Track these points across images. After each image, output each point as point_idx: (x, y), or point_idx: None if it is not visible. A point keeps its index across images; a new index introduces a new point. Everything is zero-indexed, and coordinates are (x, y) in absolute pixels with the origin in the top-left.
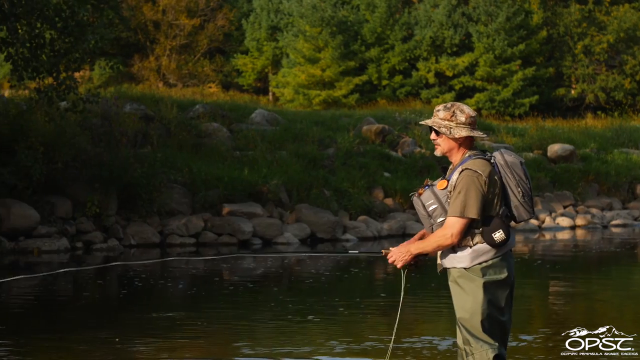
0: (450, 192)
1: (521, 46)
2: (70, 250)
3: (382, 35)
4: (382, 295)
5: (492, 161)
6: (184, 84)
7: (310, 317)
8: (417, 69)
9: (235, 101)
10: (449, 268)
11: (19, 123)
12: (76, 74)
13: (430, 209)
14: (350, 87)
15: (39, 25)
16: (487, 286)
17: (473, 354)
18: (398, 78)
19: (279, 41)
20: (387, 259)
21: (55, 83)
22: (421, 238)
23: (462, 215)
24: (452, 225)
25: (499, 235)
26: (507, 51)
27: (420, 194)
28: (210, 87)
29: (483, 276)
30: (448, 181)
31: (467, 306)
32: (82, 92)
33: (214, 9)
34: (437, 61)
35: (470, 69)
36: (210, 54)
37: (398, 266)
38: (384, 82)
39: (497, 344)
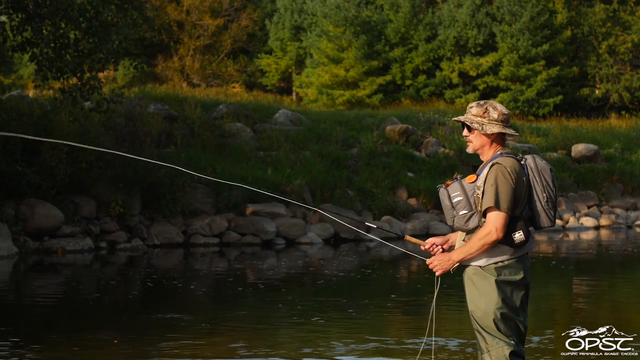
0: (478, 186)
1: (545, 46)
2: (94, 250)
3: (406, 35)
4: (393, 295)
5: (522, 162)
6: (208, 84)
7: (314, 319)
8: (441, 69)
9: (259, 101)
10: (464, 265)
11: (44, 123)
12: (100, 74)
13: (455, 200)
14: (374, 87)
15: (63, 25)
16: (500, 286)
17: (489, 351)
18: (422, 78)
19: (303, 41)
20: (428, 265)
21: (79, 83)
22: (448, 241)
23: (497, 207)
24: (494, 221)
25: (518, 235)
26: (531, 51)
27: (447, 185)
28: (233, 87)
29: (498, 276)
30: (478, 176)
31: (481, 305)
32: (106, 92)
33: (238, 9)
34: (460, 61)
35: (494, 68)
36: (234, 54)
37: (437, 274)
38: (408, 82)
39: (513, 341)
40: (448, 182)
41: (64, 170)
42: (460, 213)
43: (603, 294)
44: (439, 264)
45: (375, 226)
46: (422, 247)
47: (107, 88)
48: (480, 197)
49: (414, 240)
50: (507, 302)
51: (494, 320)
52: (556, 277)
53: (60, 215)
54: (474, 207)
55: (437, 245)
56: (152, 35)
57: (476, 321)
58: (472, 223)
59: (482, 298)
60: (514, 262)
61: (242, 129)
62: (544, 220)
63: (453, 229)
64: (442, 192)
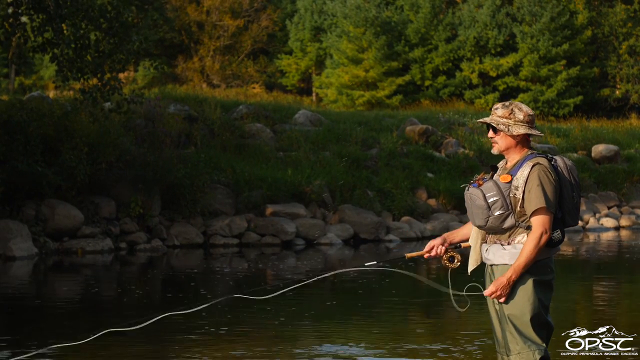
0: (516, 186)
1: (565, 46)
2: (114, 251)
3: (426, 35)
4: (411, 297)
5: (552, 163)
6: (228, 84)
7: (333, 320)
8: (461, 70)
9: (279, 102)
10: (497, 265)
11: (64, 124)
12: (120, 75)
13: (491, 200)
14: (393, 87)
15: (83, 26)
16: (537, 285)
17: (519, 352)
18: (441, 79)
19: (323, 42)
20: (489, 296)
21: (99, 84)
22: (446, 240)
23: (548, 207)
24: (543, 222)
25: (557, 234)
26: (552, 51)
27: (480, 185)
28: (253, 88)
29: (535, 275)
30: (512, 176)
31: (518, 303)
32: (126, 92)
33: (258, 10)
34: (481, 61)
35: (515, 69)
36: (254, 54)
37: (502, 301)
38: (427, 83)
39: (544, 345)
40: (479, 182)
41: (84, 170)
42: (497, 213)
43: (610, 294)
44: (501, 291)
45: (374, 262)
46: (425, 256)
47: (127, 89)
48: (520, 197)
49: (414, 254)
50: (541, 301)
51: (530, 319)
52: (566, 278)
53: (80, 215)
54: (510, 208)
55: (435, 248)
56: (172, 36)
57: (511, 321)
58: (508, 223)
59: (519, 297)
60: (546, 262)
61: (261, 130)
62: (573, 219)
63: (484, 230)
64: (475, 192)
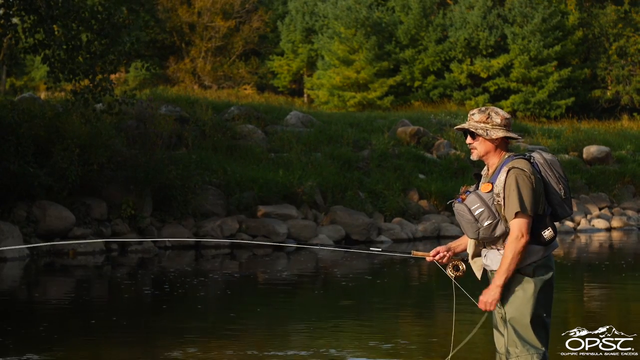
0: (497, 193)
1: (557, 47)
2: (105, 252)
3: (416, 36)
4: (403, 298)
5: (531, 161)
6: (219, 85)
7: (324, 322)
8: (451, 71)
9: (270, 103)
10: (494, 270)
11: (55, 125)
12: (111, 76)
13: (477, 212)
14: (384, 88)
15: (74, 27)
16: (537, 286)
17: (518, 356)
18: (430, 79)
19: (314, 43)
20: (479, 307)
21: (91, 85)
22: (451, 249)
23: (523, 212)
24: (519, 226)
25: (548, 233)
26: (543, 52)
27: (463, 199)
28: (245, 89)
29: (533, 276)
30: (492, 184)
31: (518, 306)
32: (117, 94)
33: (250, 11)
34: (472, 63)
35: (506, 70)
36: (246, 55)
37: (490, 309)
38: (417, 84)
39: (543, 348)
40: (463, 196)
41: (76, 171)
42: (485, 224)
43: (607, 294)
44: (488, 300)
45: (380, 250)
46: (427, 259)
47: (119, 90)
48: (502, 203)
49: (420, 254)
50: (542, 302)
51: (530, 321)
52: (561, 278)
53: (72, 217)
54: (497, 215)
55: (441, 253)
56: (163, 37)
57: (511, 324)
58: (499, 230)
59: (519, 299)
60: (545, 261)
61: (253, 131)
62: (565, 210)
63: (479, 241)
64: (460, 207)
